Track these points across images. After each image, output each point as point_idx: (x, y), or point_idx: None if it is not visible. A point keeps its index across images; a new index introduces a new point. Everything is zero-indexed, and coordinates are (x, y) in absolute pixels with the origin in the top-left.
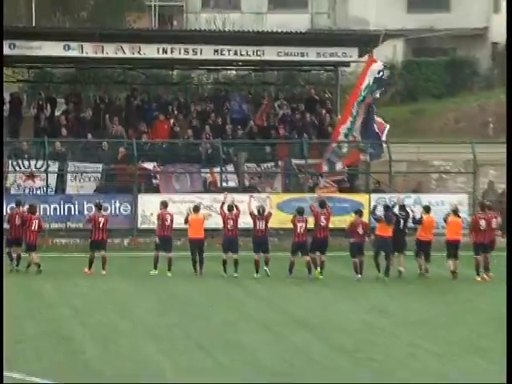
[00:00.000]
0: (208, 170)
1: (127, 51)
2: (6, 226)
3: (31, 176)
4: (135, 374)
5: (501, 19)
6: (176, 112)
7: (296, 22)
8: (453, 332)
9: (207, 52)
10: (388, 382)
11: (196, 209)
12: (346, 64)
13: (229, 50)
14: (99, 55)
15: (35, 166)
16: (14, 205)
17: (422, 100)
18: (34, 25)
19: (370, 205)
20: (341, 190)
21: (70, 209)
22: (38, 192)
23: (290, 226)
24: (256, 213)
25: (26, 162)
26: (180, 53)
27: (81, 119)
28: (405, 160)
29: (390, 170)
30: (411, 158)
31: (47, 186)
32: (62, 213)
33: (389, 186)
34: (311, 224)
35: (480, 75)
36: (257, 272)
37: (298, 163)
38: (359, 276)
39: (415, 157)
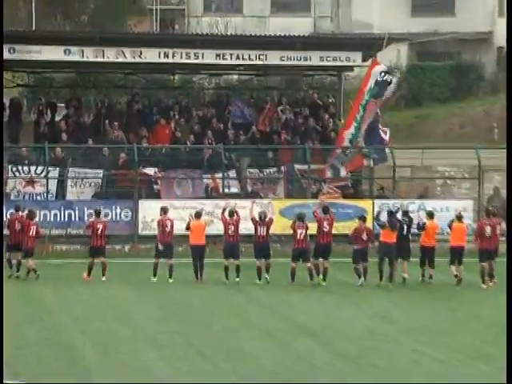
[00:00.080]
0: (210, 176)
1: (128, 55)
2: (5, 231)
3: (31, 182)
4: (136, 381)
5: None
6: (177, 117)
7: (299, 25)
8: (456, 338)
9: (209, 56)
10: None
11: (197, 215)
12: (350, 68)
13: (231, 55)
14: (100, 59)
15: (35, 171)
16: (13, 210)
17: (427, 105)
18: (33, 29)
19: (373, 211)
20: (344, 196)
21: (70, 215)
22: (38, 198)
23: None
24: (257, 218)
25: (26, 168)
26: (181, 57)
27: (81, 124)
28: (409, 165)
29: (394, 176)
30: (415, 164)
31: (47, 192)
32: (62, 219)
33: (392, 191)
34: (313, 230)
35: (485, 80)
36: (259, 278)
37: (301, 169)
38: (362, 279)
39: (419, 162)
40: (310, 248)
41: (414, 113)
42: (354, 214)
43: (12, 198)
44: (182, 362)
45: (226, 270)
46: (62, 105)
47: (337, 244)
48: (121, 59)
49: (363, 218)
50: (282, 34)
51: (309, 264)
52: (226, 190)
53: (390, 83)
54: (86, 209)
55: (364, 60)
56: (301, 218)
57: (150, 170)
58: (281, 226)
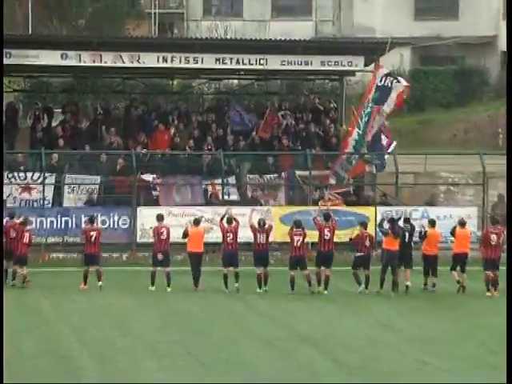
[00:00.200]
0: (209, 182)
1: (126, 60)
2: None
3: (27, 188)
4: None
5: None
6: (176, 122)
7: (300, 29)
8: (461, 348)
9: (208, 61)
10: None
11: (196, 222)
12: (352, 73)
13: (231, 59)
14: (97, 64)
15: (31, 178)
16: (8, 218)
17: (430, 110)
18: (30, 33)
19: (376, 218)
20: (346, 203)
21: (67, 222)
22: (35, 205)
23: None
24: (256, 225)
25: (22, 174)
26: (180, 61)
27: (78, 130)
28: (412, 172)
29: (397, 182)
30: (418, 170)
31: (44, 199)
32: (58, 226)
33: (395, 198)
34: (312, 237)
35: (490, 84)
36: (259, 287)
37: (302, 175)
38: (363, 286)
39: (422, 168)
40: (306, 255)
41: (417, 118)
42: (356, 221)
43: (8, 204)
44: (181, 372)
45: (225, 278)
46: (59, 110)
47: (339, 252)
48: (119, 64)
49: (364, 225)
50: (283, 38)
51: (306, 271)
52: (226, 197)
53: (391, 88)
54: (83, 216)
55: (366, 65)
56: (298, 224)
57: (149, 177)
58: (281, 233)
